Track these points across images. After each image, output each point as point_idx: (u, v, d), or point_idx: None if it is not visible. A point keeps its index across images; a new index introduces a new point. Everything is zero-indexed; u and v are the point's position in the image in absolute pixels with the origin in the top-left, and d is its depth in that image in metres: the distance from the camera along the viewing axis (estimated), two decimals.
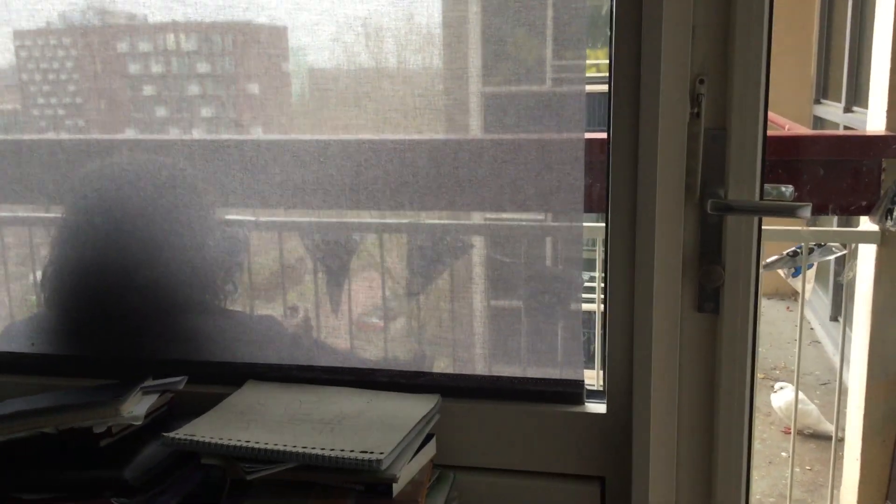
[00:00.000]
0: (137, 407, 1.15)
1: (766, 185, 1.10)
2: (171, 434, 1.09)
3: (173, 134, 1.33)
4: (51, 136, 1.36)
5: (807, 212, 1.02)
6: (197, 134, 1.32)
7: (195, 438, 1.08)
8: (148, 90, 1.33)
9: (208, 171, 1.27)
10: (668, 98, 1.06)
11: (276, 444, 1.06)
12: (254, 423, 1.13)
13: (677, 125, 1.06)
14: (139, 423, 1.13)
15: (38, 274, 1.42)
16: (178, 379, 1.21)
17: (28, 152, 1.33)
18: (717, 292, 1.11)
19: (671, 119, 1.06)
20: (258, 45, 1.27)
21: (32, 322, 1.41)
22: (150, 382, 1.20)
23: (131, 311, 1.33)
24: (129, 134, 1.33)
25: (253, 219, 1.33)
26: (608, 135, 1.13)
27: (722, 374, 1.12)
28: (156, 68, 1.33)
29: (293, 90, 1.30)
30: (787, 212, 1.05)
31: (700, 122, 1.06)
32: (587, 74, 1.15)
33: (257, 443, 1.06)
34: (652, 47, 1.05)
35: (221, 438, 1.08)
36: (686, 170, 1.08)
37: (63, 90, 1.36)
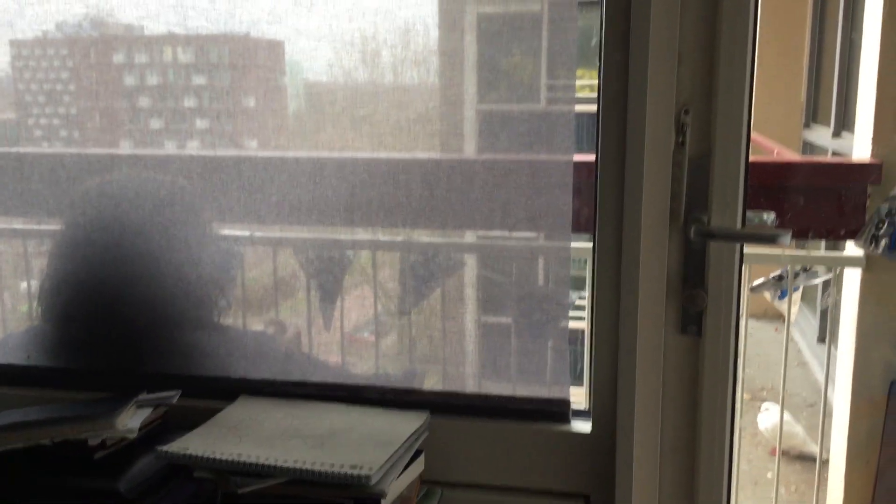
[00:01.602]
0: (132, 420, 1.17)
1: (749, 212, 1.13)
2: (165, 447, 1.11)
3: (169, 146, 1.36)
4: (46, 146, 1.39)
5: (786, 239, 1.06)
6: (193, 146, 1.35)
7: (188, 452, 1.10)
8: (144, 102, 1.36)
9: (206, 189, 1.30)
10: (654, 127, 1.09)
11: (267, 459, 1.08)
12: (246, 437, 1.15)
13: (663, 153, 1.10)
14: (133, 436, 1.15)
15: (34, 286, 1.44)
16: (171, 393, 1.24)
17: (29, 168, 1.35)
18: (700, 315, 1.14)
19: (657, 147, 1.10)
20: (257, 68, 1.30)
21: (28, 335, 1.43)
22: (144, 396, 1.22)
23: (127, 325, 1.35)
24: (125, 146, 1.36)
25: (248, 234, 1.36)
26: (596, 161, 1.17)
27: (704, 396, 1.15)
28: (152, 80, 1.35)
29: (290, 109, 1.33)
30: (768, 239, 1.09)
31: (685, 151, 1.10)
32: (582, 95, 1.19)
33: (249, 457, 1.08)
34: (639, 78, 1.08)
35: (214, 452, 1.10)
36: (671, 196, 1.11)
37: (59, 101, 1.38)
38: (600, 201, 1.17)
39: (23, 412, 1.22)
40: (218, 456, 1.09)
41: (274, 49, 1.29)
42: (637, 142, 1.09)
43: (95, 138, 1.36)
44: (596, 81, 1.17)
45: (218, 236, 1.35)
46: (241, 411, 1.24)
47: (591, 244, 1.23)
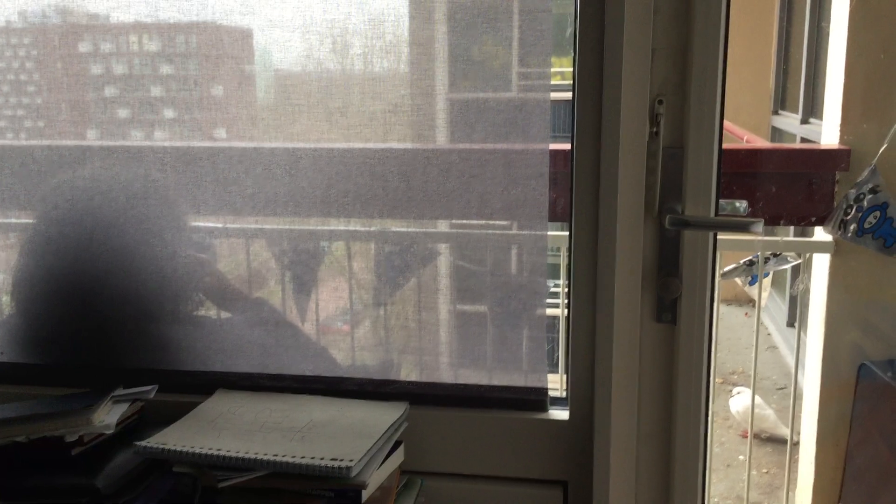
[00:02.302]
0: (108, 416, 1.16)
1: (721, 201, 1.15)
2: (143, 442, 1.11)
3: (139, 137, 1.34)
4: (10, 137, 1.36)
5: (759, 227, 1.07)
6: (164, 138, 1.33)
7: (167, 447, 1.10)
8: (111, 91, 1.34)
9: (180, 182, 1.29)
10: (628, 117, 1.10)
11: (247, 452, 1.08)
12: (225, 431, 1.15)
13: (637, 143, 1.11)
14: (110, 431, 1.14)
15: (5, 281, 1.42)
16: (148, 388, 1.23)
17: None
18: (675, 303, 1.15)
19: (631, 137, 1.11)
20: (228, 58, 1.29)
21: (1, 330, 1.41)
22: (120, 391, 1.21)
23: (102, 320, 1.34)
24: (92, 135, 1.34)
25: (222, 226, 1.35)
26: (571, 152, 1.18)
27: (679, 382, 1.16)
28: (119, 69, 1.34)
29: (263, 100, 1.33)
30: (741, 227, 1.10)
31: (659, 141, 1.11)
32: (554, 82, 1.19)
33: (228, 451, 1.08)
34: (613, 69, 1.09)
35: (193, 447, 1.10)
36: (645, 186, 1.12)
37: (23, 90, 1.36)
38: (576, 191, 1.18)
39: None
40: (197, 450, 1.09)
41: (245, 39, 1.28)
42: (612, 132, 1.10)
43: (61, 128, 1.34)
44: (567, 69, 1.18)
45: (192, 229, 1.34)
46: (220, 405, 1.24)
47: (563, 232, 1.24)
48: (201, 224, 1.34)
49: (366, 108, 1.24)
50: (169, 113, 1.35)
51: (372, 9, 1.21)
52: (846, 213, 2.29)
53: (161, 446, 1.10)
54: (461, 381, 1.31)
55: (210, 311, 1.38)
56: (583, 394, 1.23)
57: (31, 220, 1.37)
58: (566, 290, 1.27)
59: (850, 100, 2.45)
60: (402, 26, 1.22)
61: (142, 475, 1.14)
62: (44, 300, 1.36)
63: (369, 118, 1.24)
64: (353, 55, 1.23)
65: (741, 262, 2.58)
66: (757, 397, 2.97)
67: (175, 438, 1.12)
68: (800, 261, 2.67)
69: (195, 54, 1.31)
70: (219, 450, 1.09)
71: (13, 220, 1.41)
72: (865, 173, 2.26)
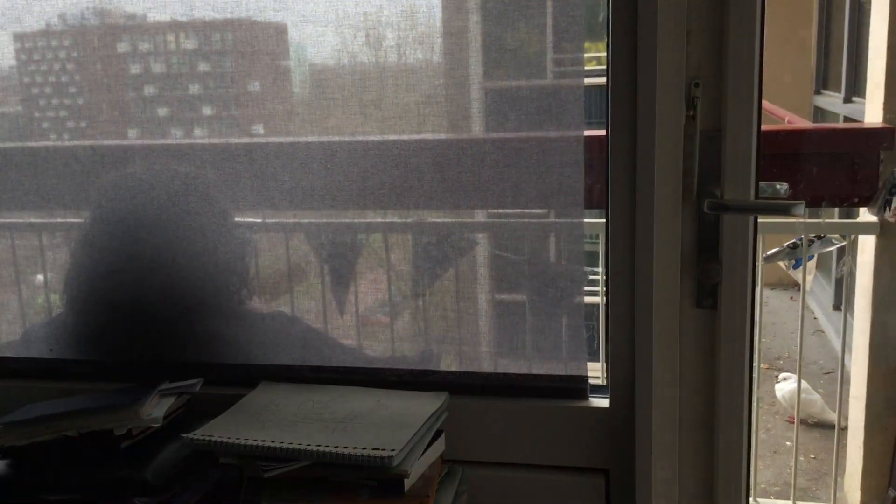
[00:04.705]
0: (156, 409, 1.18)
1: (761, 183, 1.13)
2: (191, 435, 1.13)
3: (178, 135, 1.36)
4: (53, 138, 1.39)
5: (799, 209, 1.05)
6: (202, 135, 1.35)
7: (213, 439, 1.12)
8: (150, 90, 1.36)
9: (220, 178, 1.31)
10: (664, 101, 1.09)
11: (291, 443, 1.09)
12: (269, 422, 1.17)
13: (674, 127, 1.10)
14: (158, 424, 1.17)
15: (50, 280, 1.46)
16: (194, 381, 1.25)
17: (44, 163, 1.36)
18: (715, 289, 1.14)
19: (668, 121, 1.09)
20: (264, 54, 1.30)
21: (50, 328, 1.44)
22: (167, 385, 1.24)
23: (147, 316, 1.37)
24: (133, 135, 1.36)
25: (261, 221, 1.37)
26: (607, 137, 1.17)
27: (721, 369, 1.15)
28: (158, 68, 1.36)
29: (299, 95, 1.34)
30: (781, 210, 1.09)
31: (696, 124, 1.10)
32: (589, 67, 1.19)
33: (273, 442, 1.10)
34: (648, 52, 1.08)
35: (238, 438, 1.11)
36: (683, 170, 1.11)
37: (64, 92, 1.38)
38: (612, 177, 1.17)
39: (48, 405, 1.24)
40: (242, 441, 1.10)
41: (280, 35, 1.29)
42: (648, 116, 1.09)
43: (103, 128, 1.36)
44: (600, 53, 1.17)
45: (233, 224, 1.35)
46: (263, 397, 1.26)
47: (600, 219, 1.23)
48: (241, 219, 1.36)
49: (400, 99, 1.25)
50: (207, 110, 1.37)
51: (404, 0, 1.21)
52: (891, 193, 2.24)
53: (208, 438, 1.12)
54: (501, 370, 1.31)
55: (251, 306, 1.40)
56: (623, 381, 1.22)
57: (76, 220, 1.40)
58: (604, 277, 1.26)
59: (893, 76, 2.39)
60: (434, 17, 1.22)
61: (189, 467, 1.16)
62: (91, 298, 1.40)
63: (403, 110, 1.25)
64: (387, 47, 1.24)
65: (785, 245, 2.54)
66: (803, 382, 2.93)
67: (221, 430, 1.14)
68: (844, 243, 2.62)
69: (231, 51, 1.32)
70: (263, 441, 1.10)
71: (59, 220, 1.44)
72: None
